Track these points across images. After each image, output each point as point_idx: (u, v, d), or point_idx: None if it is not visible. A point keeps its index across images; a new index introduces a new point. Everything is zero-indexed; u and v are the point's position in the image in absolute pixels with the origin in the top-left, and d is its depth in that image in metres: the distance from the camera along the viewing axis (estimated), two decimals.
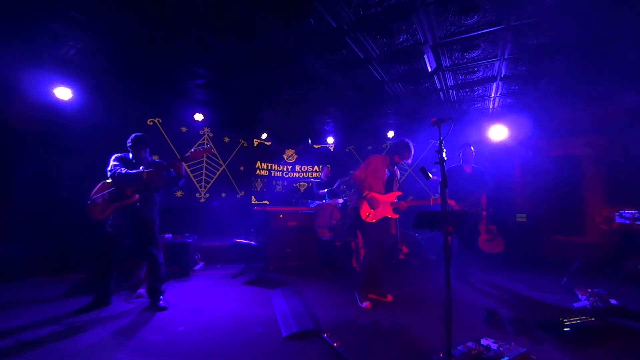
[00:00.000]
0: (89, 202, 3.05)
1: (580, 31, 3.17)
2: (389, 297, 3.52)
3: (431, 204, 3.46)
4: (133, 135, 3.28)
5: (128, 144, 3.27)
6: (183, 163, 3.25)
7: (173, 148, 6.14)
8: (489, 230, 4.81)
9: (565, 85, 4.55)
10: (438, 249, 5.22)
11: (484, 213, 4.66)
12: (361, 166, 3.50)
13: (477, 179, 4.49)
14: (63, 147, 4.69)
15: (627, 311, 3.08)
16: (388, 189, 3.47)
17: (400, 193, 3.55)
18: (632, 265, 4.19)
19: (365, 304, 3.30)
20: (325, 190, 6.16)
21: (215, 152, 6.82)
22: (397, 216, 3.50)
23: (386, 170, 3.47)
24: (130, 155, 3.30)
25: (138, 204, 3.16)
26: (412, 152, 3.46)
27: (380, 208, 3.37)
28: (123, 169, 3.08)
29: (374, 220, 3.36)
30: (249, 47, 3.57)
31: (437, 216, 2.12)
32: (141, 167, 3.18)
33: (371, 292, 3.51)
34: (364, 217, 3.37)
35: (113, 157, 3.20)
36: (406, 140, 3.46)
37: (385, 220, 3.44)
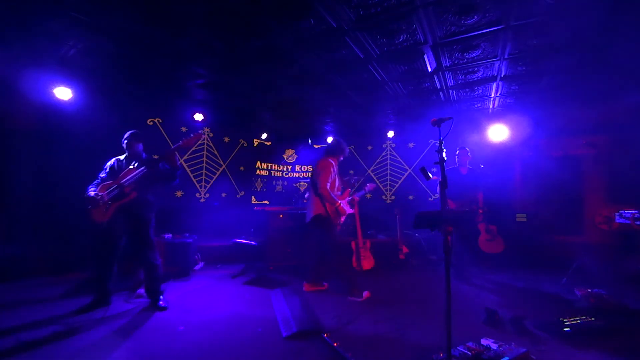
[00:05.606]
0: (89, 206, 2.95)
1: (581, 31, 3.17)
2: (325, 285, 3.98)
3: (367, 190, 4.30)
4: (127, 133, 3.34)
5: (122, 143, 3.32)
6: (176, 153, 3.22)
7: None
8: (489, 230, 4.81)
9: (565, 85, 4.55)
10: (438, 249, 5.22)
11: (481, 211, 4.73)
12: (325, 177, 3.59)
13: (472, 179, 4.59)
14: (63, 147, 4.68)
15: (627, 311, 3.08)
16: (343, 189, 3.99)
17: (349, 190, 4.04)
18: (632, 265, 4.19)
19: (365, 294, 3.52)
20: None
21: (215, 152, 6.82)
22: (356, 209, 4.22)
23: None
24: (123, 157, 3.33)
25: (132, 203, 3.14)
26: (347, 149, 3.91)
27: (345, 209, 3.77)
28: (92, 190, 3.02)
29: (342, 220, 3.81)
30: (249, 47, 3.57)
31: (437, 216, 2.12)
32: (134, 163, 3.22)
33: (314, 284, 3.92)
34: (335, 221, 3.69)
35: (101, 172, 3.26)
36: (339, 139, 3.90)
37: (350, 217, 4.06)
